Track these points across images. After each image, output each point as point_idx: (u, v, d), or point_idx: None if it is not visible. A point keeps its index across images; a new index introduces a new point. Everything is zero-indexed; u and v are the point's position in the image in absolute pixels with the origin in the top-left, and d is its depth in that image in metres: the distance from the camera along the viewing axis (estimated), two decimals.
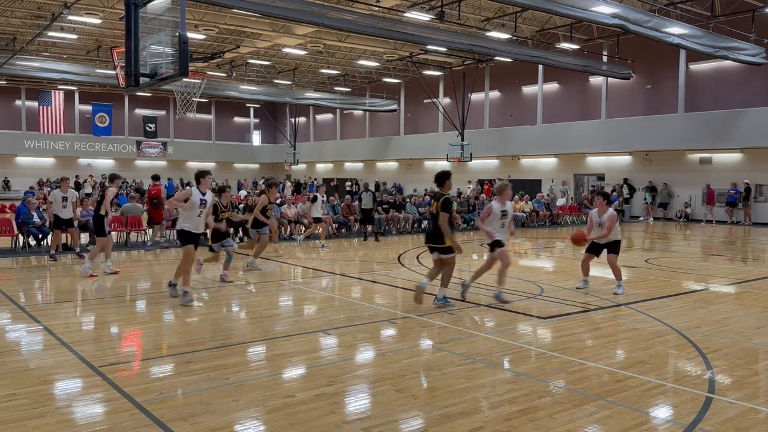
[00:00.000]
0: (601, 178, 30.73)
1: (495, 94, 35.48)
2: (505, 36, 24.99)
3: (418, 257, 14.13)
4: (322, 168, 47.52)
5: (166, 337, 7.00)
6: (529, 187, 30.15)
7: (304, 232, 17.60)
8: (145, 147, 45.19)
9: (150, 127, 45.66)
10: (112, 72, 25.69)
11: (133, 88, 8.79)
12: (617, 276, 9.74)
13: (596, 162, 30.97)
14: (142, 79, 8.67)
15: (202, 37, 28.09)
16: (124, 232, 16.22)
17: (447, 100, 36.16)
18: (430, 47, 25.84)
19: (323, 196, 17.09)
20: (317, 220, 16.42)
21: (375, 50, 31.70)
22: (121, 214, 16.71)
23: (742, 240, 19.87)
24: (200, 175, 8.88)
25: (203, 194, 8.75)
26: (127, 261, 13.65)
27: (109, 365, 5.77)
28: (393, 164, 41.46)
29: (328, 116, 47.67)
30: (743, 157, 25.92)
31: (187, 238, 8.67)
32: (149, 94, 43.39)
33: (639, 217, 28.25)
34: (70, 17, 23.53)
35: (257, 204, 11.65)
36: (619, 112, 29.44)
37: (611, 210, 9.72)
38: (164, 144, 46.03)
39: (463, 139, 32.44)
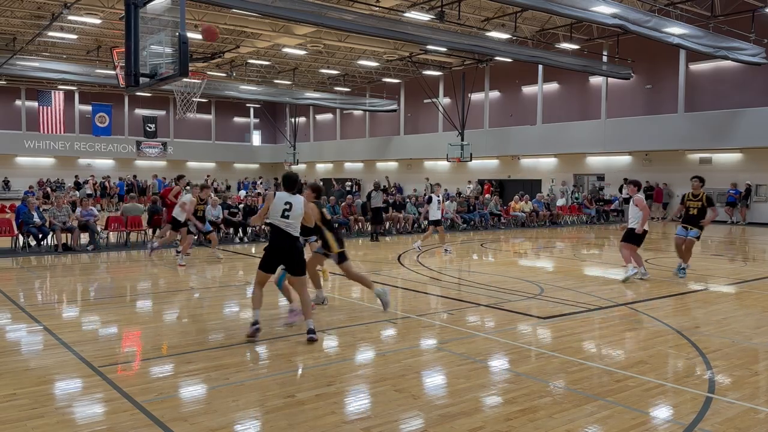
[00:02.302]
0: (601, 178, 30.74)
1: (495, 94, 35.47)
2: (505, 36, 24.99)
3: (417, 257, 14.13)
4: (322, 168, 47.51)
5: (166, 337, 7.00)
6: (529, 187, 30.16)
7: (422, 237, 15.65)
8: (144, 147, 45.15)
9: (150, 127, 45.62)
10: (112, 72, 25.69)
11: (133, 88, 8.77)
12: (627, 259, 10.83)
13: (596, 162, 30.98)
14: (142, 79, 8.66)
15: (202, 37, 28.05)
16: (125, 233, 16.21)
17: (447, 100, 36.14)
18: (430, 47, 25.83)
19: (439, 197, 15.34)
20: (435, 223, 15.02)
21: (375, 50, 31.70)
22: (121, 214, 16.74)
23: (739, 240, 19.86)
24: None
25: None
26: (127, 261, 13.66)
27: (109, 365, 5.77)
28: (393, 164, 41.45)
29: (328, 116, 47.64)
30: (743, 157, 25.94)
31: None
32: (149, 94, 43.36)
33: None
34: (70, 17, 23.54)
35: None
36: (619, 112, 29.44)
37: (639, 194, 10.87)
38: (164, 144, 45.99)
39: (463, 139, 32.43)
